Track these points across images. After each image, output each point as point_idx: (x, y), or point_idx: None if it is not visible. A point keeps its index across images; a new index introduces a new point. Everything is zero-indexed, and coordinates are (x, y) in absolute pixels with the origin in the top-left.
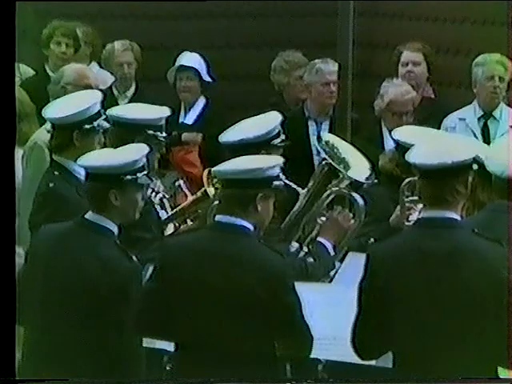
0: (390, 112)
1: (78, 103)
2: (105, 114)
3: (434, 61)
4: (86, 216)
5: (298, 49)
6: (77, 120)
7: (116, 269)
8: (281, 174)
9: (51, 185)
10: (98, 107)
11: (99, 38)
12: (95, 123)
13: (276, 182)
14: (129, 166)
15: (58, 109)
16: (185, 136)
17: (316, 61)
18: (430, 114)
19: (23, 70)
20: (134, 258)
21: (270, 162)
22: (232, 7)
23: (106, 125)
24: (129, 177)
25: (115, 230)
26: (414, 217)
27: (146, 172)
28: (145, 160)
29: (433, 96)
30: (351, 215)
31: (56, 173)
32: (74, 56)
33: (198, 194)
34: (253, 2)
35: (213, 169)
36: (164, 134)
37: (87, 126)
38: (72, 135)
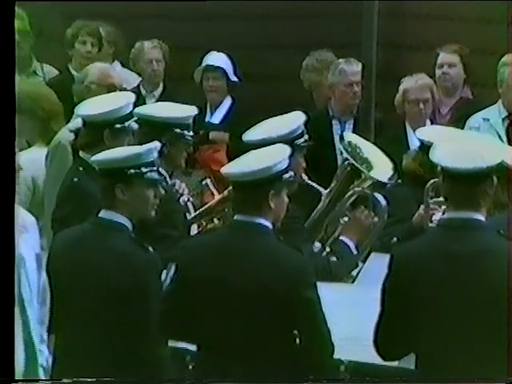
0: (407, 102)
1: (111, 102)
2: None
3: (471, 62)
4: (100, 214)
5: (324, 49)
6: (109, 119)
7: (133, 262)
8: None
9: (75, 179)
10: (130, 108)
11: (122, 38)
12: (126, 123)
13: (286, 176)
14: (132, 159)
15: (92, 106)
16: (212, 135)
17: (339, 61)
18: (466, 114)
19: (47, 70)
20: (151, 249)
21: (277, 158)
22: (258, 8)
23: (136, 126)
24: (132, 171)
25: (129, 224)
26: (437, 217)
27: (154, 168)
28: (154, 155)
29: (471, 97)
30: (373, 215)
31: (80, 168)
32: (97, 55)
33: (225, 192)
34: (278, 2)
35: (221, 170)
36: (191, 133)
37: (118, 126)
38: (102, 134)
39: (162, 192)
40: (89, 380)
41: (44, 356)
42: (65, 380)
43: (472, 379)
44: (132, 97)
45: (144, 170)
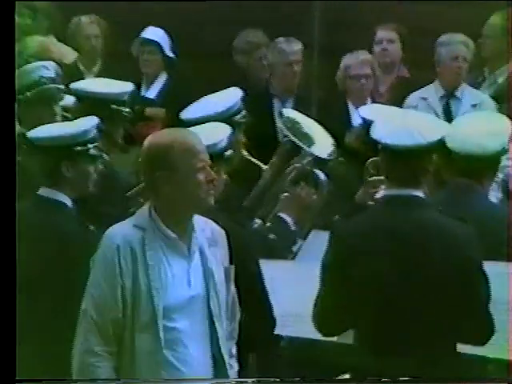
0: (349, 77)
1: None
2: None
3: (408, 41)
4: (40, 192)
5: (262, 27)
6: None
7: (74, 241)
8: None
9: (18, 159)
10: (51, 73)
11: (59, 13)
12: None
13: (227, 153)
14: (80, 136)
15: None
16: (148, 111)
17: (279, 39)
18: (404, 93)
19: None
20: (92, 227)
21: (219, 137)
22: None
23: (72, 101)
24: (79, 148)
25: (69, 203)
26: (379, 195)
27: (96, 144)
28: (95, 131)
29: (407, 75)
30: (313, 191)
31: (24, 146)
32: (32, 28)
33: None
34: None
35: None
36: (127, 109)
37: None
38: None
39: (100, 168)
40: (89, 380)
41: (234, 370)
42: (65, 380)
43: (472, 379)
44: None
45: (90, 146)
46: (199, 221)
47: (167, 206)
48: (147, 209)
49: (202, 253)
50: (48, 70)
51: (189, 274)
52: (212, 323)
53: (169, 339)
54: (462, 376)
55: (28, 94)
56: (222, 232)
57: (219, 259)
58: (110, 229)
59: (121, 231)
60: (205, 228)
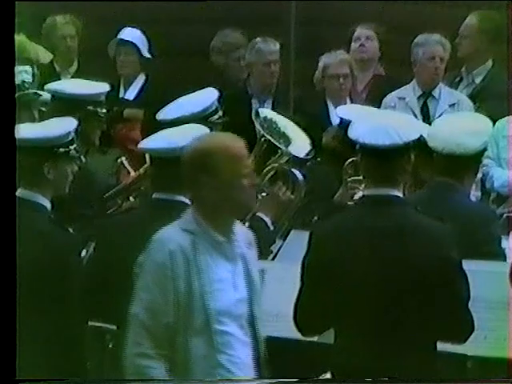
0: (327, 77)
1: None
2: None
3: (386, 40)
4: (17, 193)
5: (239, 26)
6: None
7: (53, 243)
8: None
9: None
10: (28, 78)
11: (29, 10)
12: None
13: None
14: (63, 138)
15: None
16: (126, 112)
17: (256, 40)
18: (381, 92)
19: None
20: (70, 230)
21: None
22: None
23: (48, 101)
24: (62, 149)
25: (48, 205)
26: (357, 195)
27: (75, 145)
28: (74, 133)
29: (383, 74)
30: (291, 191)
31: None
32: None
33: (141, 170)
34: None
35: (139, 146)
36: (104, 110)
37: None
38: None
39: (76, 169)
40: (89, 380)
41: None
42: (65, 380)
43: (472, 379)
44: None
45: (70, 147)
46: (236, 224)
47: (211, 210)
48: (191, 213)
49: (243, 256)
50: (27, 74)
51: (234, 278)
52: (254, 325)
53: (221, 343)
54: (462, 376)
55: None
56: (252, 234)
57: (255, 262)
58: (159, 234)
59: (172, 236)
60: (241, 231)
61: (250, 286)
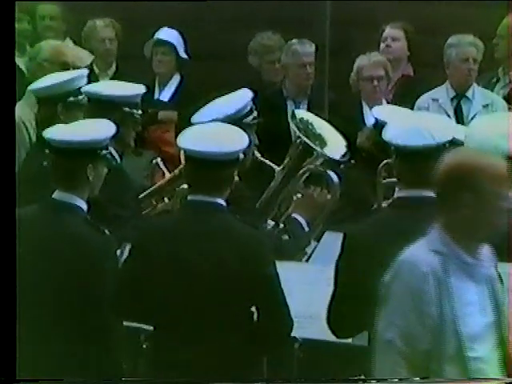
0: (362, 79)
1: (62, 76)
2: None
3: (415, 40)
4: (55, 196)
5: (276, 29)
6: (61, 92)
7: (89, 245)
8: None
9: (45, 163)
10: (83, 81)
11: (74, 16)
12: (80, 97)
13: (241, 156)
14: (102, 141)
15: (45, 81)
16: (161, 114)
17: (293, 41)
18: (409, 92)
19: None
20: (107, 232)
21: (242, 144)
22: None
23: (86, 102)
24: (104, 151)
25: (84, 206)
26: (392, 197)
27: (111, 147)
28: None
29: (412, 74)
30: (326, 192)
31: (47, 151)
32: (50, 32)
33: (176, 171)
34: None
35: (180, 145)
36: (140, 112)
37: (72, 99)
38: (56, 108)
39: (112, 171)
40: (90, 380)
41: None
42: (65, 380)
43: (472, 379)
44: (84, 71)
45: (110, 149)
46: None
47: (463, 228)
48: (437, 233)
49: (489, 277)
50: (85, 79)
51: (482, 300)
52: (504, 348)
53: (472, 370)
54: (462, 376)
55: (68, 100)
56: (493, 253)
57: (499, 283)
58: (410, 255)
59: (423, 257)
60: (486, 250)
61: (497, 309)
